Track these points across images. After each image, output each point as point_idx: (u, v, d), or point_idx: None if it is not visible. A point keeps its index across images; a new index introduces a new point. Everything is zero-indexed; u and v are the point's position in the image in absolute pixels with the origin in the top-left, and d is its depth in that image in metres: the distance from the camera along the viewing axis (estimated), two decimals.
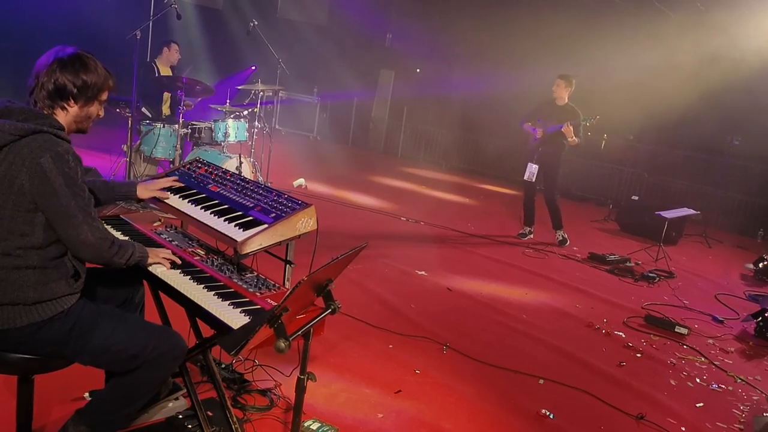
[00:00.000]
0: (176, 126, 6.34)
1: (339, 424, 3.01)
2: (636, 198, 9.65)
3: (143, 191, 2.74)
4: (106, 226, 2.77)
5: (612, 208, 9.98)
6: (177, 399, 2.83)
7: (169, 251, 2.53)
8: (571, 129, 6.78)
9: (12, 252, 2.10)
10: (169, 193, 2.80)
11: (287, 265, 2.70)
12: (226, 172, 2.99)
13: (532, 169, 7.10)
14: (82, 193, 2.14)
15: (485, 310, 4.99)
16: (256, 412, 2.98)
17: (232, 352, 1.95)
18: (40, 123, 2.11)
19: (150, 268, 2.44)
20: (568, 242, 7.33)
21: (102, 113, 2.35)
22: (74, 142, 2.25)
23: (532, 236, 7.44)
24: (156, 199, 2.79)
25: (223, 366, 3.26)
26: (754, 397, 4.16)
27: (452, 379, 3.73)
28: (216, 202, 2.73)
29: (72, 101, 2.21)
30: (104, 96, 2.30)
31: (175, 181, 2.88)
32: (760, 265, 7.36)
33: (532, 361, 4.14)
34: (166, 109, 7.27)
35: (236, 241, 2.40)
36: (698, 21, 9.35)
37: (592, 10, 10.46)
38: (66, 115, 2.23)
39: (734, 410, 3.92)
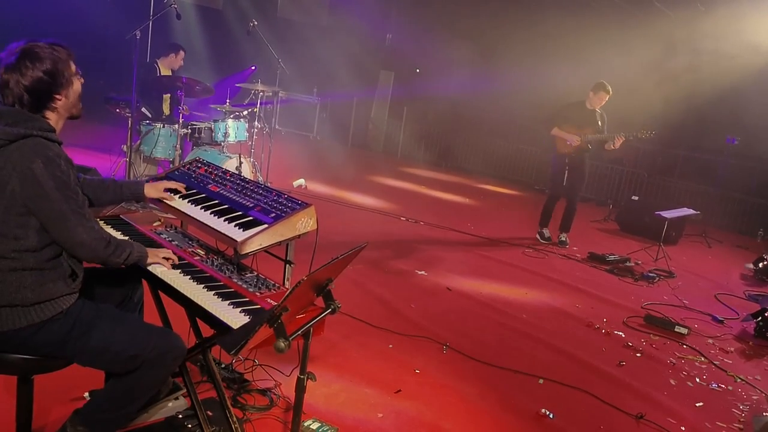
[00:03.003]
0: (176, 126, 6.34)
1: (339, 423, 3.01)
2: (636, 198, 9.65)
3: (151, 191, 2.73)
4: (106, 226, 2.77)
5: (612, 208, 9.99)
6: (177, 399, 2.83)
7: (169, 251, 2.53)
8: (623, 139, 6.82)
9: (7, 255, 2.09)
10: (175, 194, 2.80)
11: (287, 265, 2.70)
12: (225, 172, 2.99)
13: (567, 175, 7.07)
14: (74, 196, 2.13)
15: (485, 310, 4.99)
16: (256, 411, 2.99)
17: (232, 352, 1.95)
18: (29, 126, 2.09)
19: (150, 268, 2.44)
20: (568, 245, 7.34)
21: (83, 80, 2.27)
22: (73, 142, 2.25)
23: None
24: (157, 199, 2.79)
25: (223, 366, 3.26)
26: (754, 397, 4.16)
27: (452, 379, 3.73)
28: (216, 202, 2.73)
29: (56, 95, 2.17)
30: (74, 67, 2.22)
31: (181, 186, 2.84)
32: (760, 264, 7.36)
33: (532, 361, 4.14)
34: (166, 109, 7.27)
35: (236, 241, 2.40)
36: (698, 21, 9.35)
37: (592, 9, 10.46)
38: (57, 113, 2.19)
39: (734, 410, 3.92)
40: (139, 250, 2.37)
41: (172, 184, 2.82)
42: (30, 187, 2.05)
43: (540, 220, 7.44)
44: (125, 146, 6.27)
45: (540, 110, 11.39)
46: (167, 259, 2.47)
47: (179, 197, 2.80)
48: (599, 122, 6.95)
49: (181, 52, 7.26)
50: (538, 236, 7.43)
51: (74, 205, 2.12)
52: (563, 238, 7.36)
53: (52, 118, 2.19)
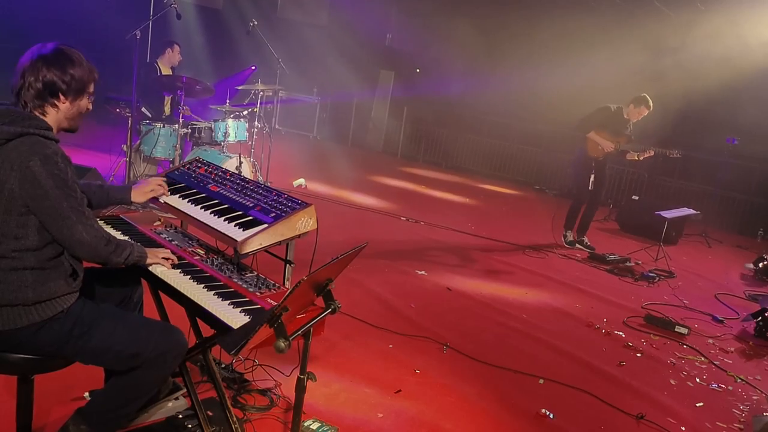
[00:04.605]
0: (176, 126, 6.34)
1: (339, 424, 3.01)
2: (636, 198, 9.65)
3: (138, 196, 2.72)
4: (106, 226, 2.77)
5: (612, 208, 9.98)
6: (177, 399, 2.84)
7: (168, 251, 2.54)
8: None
9: (8, 254, 2.10)
10: (163, 193, 2.79)
11: (287, 265, 2.70)
12: (225, 171, 2.99)
13: (592, 179, 7.04)
14: (73, 194, 2.13)
15: (485, 309, 4.99)
16: (256, 411, 2.98)
17: (232, 352, 1.95)
18: (26, 125, 2.09)
19: (150, 268, 2.44)
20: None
21: (90, 107, 2.31)
22: (73, 142, 2.25)
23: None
24: (155, 199, 2.79)
25: (223, 366, 3.26)
26: (754, 397, 4.16)
27: (452, 379, 3.73)
28: (216, 201, 2.73)
29: (62, 97, 2.19)
30: (92, 88, 2.27)
31: (163, 180, 2.84)
32: (760, 264, 7.36)
33: (532, 361, 4.14)
34: (167, 109, 7.27)
35: (236, 240, 2.40)
36: (698, 21, 9.34)
37: (592, 10, 10.46)
38: (57, 113, 2.20)
39: (734, 410, 3.92)
40: (139, 251, 2.38)
41: (154, 185, 2.78)
42: (29, 186, 2.05)
43: (565, 223, 7.31)
44: (125, 146, 6.27)
45: (531, 111, 11.44)
46: (167, 259, 2.48)
47: (179, 196, 2.80)
48: (629, 131, 6.96)
49: (176, 47, 7.25)
50: (562, 239, 7.32)
51: (74, 203, 2.13)
52: (588, 242, 7.33)
53: (51, 115, 2.19)
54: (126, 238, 2.67)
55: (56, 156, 2.10)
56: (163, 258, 2.47)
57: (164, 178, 2.88)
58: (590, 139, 6.92)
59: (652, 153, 6.96)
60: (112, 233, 2.66)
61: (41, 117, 2.17)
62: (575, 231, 7.35)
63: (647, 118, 7.02)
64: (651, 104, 6.80)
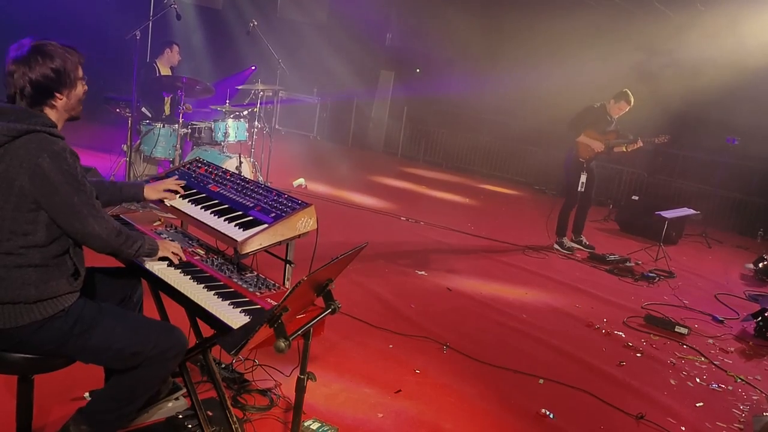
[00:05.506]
0: (176, 126, 6.34)
1: (339, 424, 3.01)
2: (636, 198, 9.65)
3: (150, 193, 2.74)
4: None
5: (612, 208, 9.98)
6: (177, 399, 2.84)
7: (178, 246, 2.57)
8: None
9: (14, 251, 2.11)
10: (175, 194, 2.81)
11: (287, 265, 2.70)
12: (226, 171, 2.99)
13: (583, 179, 6.98)
14: (84, 188, 2.15)
15: (485, 310, 4.99)
16: (256, 411, 2.99)
17: (232, 352, 1.95)
18: (32, 122, 2.10)
19: (149, 267, 2.44)
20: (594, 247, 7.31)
21: (86, 88, 2.29)
22: (74, 142, 2.24)
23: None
24: (157, 199, 2.79)
25: (223, 366, 3.26)
26: (754, 397, 4.16)
27: (452, 379, 3.73)
28: (216, 201, 2.73)
29: (57, 94, 2.18)
30: (81, 71, 2.25)
31: (180, 184, 2.86)
32: (760, 264, 7.35)
33: (532, 361, 4.14)
34: (167, 109, 7.27)
35: (236, 240, 2.40)
36: (698, 21, 9.34)
37: (592, 10, 10.46)
38: (57, 112, 2.20)
39: (734, 410, 3.92)
40: (150, 243, 2.41)
41: (172, 185, 2.82)
42: (39, 182, 2.07)
43: (557, 230, 7.18)
44: (125, 146, 6.27)
45: (531, 111, 11.44)
46: (176, 254, 2.51)
47: (179, 197, 2.80)
48: (614, 128, 6.95)
49: (175, 47, 7.24)
50: (557, 246, 7.15)
51: (84, 197, 2.15)
52: (586, 242, 7.30)
53: (52, 115, 2.20)
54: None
55: (65, 152, 2.11)
56: (173, 253, 2.50)
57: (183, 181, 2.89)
58: (581, 143, 6.89)
59: (641, 143, 6.90)
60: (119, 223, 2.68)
61: (45, 115, 2.17)
62: (571, 232, 7.32)
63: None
64: (632, 99, 6.77)
